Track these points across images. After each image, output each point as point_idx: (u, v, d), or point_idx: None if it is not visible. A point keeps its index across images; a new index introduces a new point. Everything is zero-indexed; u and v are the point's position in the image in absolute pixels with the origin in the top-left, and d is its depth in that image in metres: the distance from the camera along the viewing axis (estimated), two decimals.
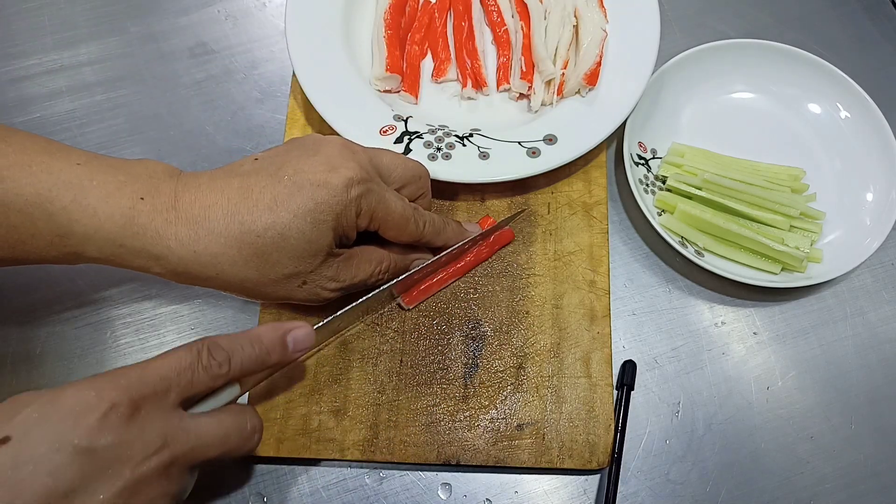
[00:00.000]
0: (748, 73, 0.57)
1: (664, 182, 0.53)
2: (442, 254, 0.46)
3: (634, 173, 0.51)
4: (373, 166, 0.40)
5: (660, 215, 0.51)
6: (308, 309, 0.47)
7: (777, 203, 0.51)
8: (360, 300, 0.44)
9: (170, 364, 0.33)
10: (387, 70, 0.53)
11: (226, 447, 0.35)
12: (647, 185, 0.53)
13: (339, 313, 0.43)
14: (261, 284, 0.39)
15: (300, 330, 0.39)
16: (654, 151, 0.55)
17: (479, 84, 0.55)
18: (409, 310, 0.48)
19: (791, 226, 0.51)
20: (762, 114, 0.57)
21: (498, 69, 0.55)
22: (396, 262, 0.45)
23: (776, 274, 0.50)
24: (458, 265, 0.48)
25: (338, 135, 0.49)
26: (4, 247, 0.36)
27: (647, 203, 0.50)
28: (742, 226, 0.50)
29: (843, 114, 0.56)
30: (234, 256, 0.37)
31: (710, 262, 0.49)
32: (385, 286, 0.44)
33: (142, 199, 0.36)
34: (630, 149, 0.52)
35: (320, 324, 0.42)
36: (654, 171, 0.54)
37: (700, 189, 0.51)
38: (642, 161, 0.54)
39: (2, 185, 0.35)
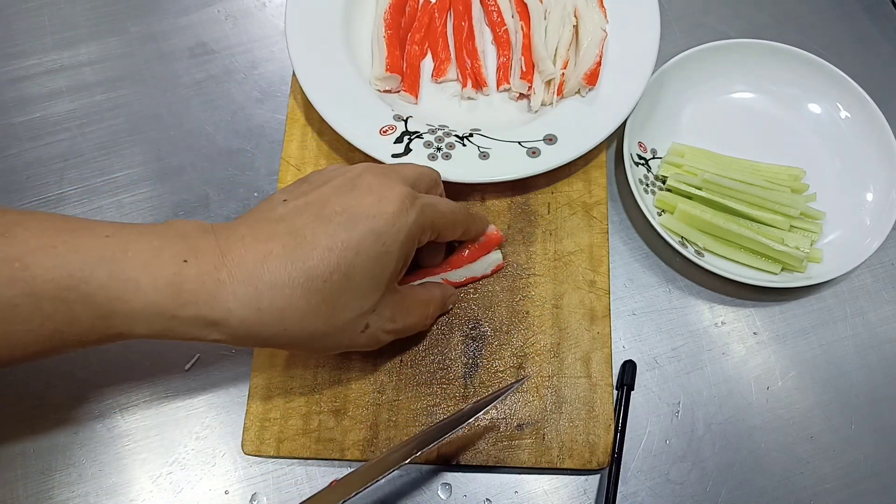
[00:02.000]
0: (748, 72, 0.57)
1: (664, 182, 0.53)
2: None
3: (634, 173, 0.51)
4: (406, 181, 0.39)
5: (660, 215, 0.51)
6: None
7: (777, 203, 0.51)
8: (395, 466, 0.40)
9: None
10: (387, 70, 0.53)
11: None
12: (647, 185, 0.53)
13: (370, 484, 0.38)
14: (328, 335, 0.36)
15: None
16: (654, 151, 0.55)
17: (479, 84, 0.55)
18: None
19: (791, 226, 0.51)
20: (762, 114, 0.57)
21: (498, 69, 0.55)
22: (444, 299, 0.46)
23: (776, 274, 0.50)
24: None
25: (337, 134, 0.49)
26: (39, 340, 0.32)
27: (647, 203, 0.50)
28: (742, 226, 0.50)
29: (843, 114, 0.56)
30: (302, 308, 0.34)
31: (710, 262, 0.49)
32: (418, 452, 0.39)
33: (185, 261, 0.33)
34: (630, 149, 0.52)
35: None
36: (654, 171, 0.54)
37: (700, 189, 0.51)
38: (642, 161, 0.54)
39: (28, 273, 0.31)
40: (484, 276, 0.49)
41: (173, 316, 0.33)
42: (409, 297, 0.42)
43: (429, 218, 0.38)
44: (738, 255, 0.50)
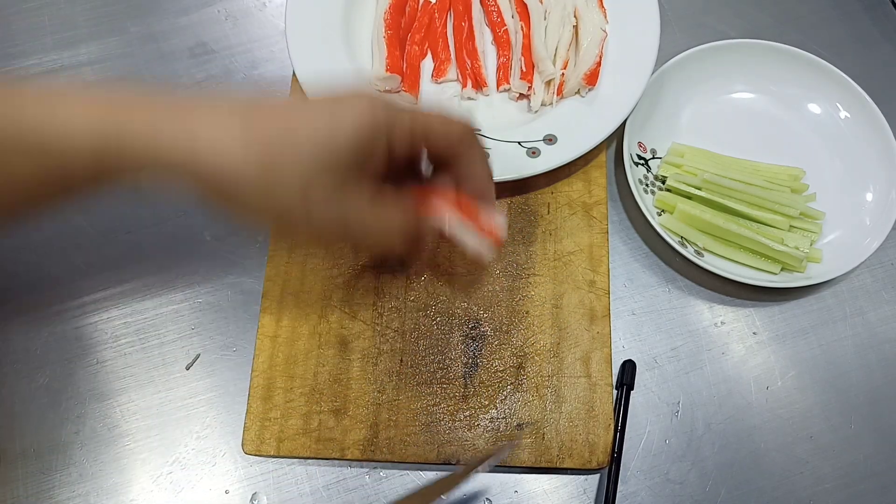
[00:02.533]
0: (748, 72, 0.57)
1: (664, 182, 0.53)
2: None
3: (634, 173, 0.51)
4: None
5: (659, 215, 0.51)
6: (311, 303, 0.47)
7: (777, 203, 0.51)
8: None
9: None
10: (387, 70, 0.53)
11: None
12: (647, 185, 0.53)
13: None
14: (265, 197, 0.34)
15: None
16: (653, 151, 0.55)
17: (479, 84, 0.55)
18: None
19: (791, 226, 0.51)
20: (762, 114, 0.57)
21: (498, 69, 0.55)
22: (408, 231, 0.39)
23: (776, 274, 0.50)
24: None
25: None
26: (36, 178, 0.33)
27: (646, 203, 0.50)
28: (742, 226, 0.50)
29: (843, 114, 0.56)
30: (239, 152, 0.33)
31: (710, 262, 0.49)
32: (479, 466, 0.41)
33: (128, 97, 0.33)
34: (630, 149, 0.52)
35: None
36: (653, 171, 0.54)
37: (700, 189, 0.51)
38: (642, 161, 0.54)
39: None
40: (475, 257, 0.42)
41: (105, 144, 0.32)
42: (366, 212, 0.37)
43: (404, 122, 0.36)
44: (738, 255, 0.50)
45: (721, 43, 0.56)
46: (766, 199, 0.51)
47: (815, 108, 0.56)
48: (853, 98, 0.55)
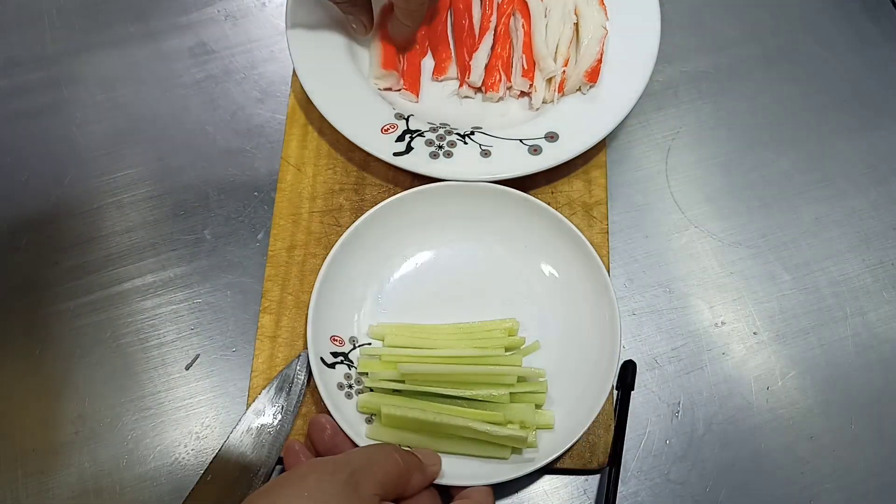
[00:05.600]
0: (421, 230, 0.49)
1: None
2: None
3: (328, 379, 0.43)
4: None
5: (369, 422, 0.43)
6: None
7: (491, 375, 0.43)
8: None
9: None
10: (382, 67, 0.53)
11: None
12: (351, 385, 0.44)
13: None
14: None
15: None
16: (353, 340, 0.46)
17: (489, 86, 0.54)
18: None
19: (512, 394, 0.43)
20: (458, 269, 0.49)
21: (490, 67, 0.55)
22: None
23: (507, 459, 0.42)
24: None
25: (338, 134, 0.49)
26: None
27: (347, 414, 0.42)
28: (456, 414, 0.41)
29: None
30: None
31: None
32: None
33: None
34: (317, 350, 0.43)
35: None
36: (356, 364, 0.45)
37: (403, 381, 0.43)
38: (339, 358, 0.44)
39: None
40: None
41: None
42: None
43: None
44: (465, 447, 0.42)
45: (381, 206, 0.47)
46: (479, 374, 0.43)
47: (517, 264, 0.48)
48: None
